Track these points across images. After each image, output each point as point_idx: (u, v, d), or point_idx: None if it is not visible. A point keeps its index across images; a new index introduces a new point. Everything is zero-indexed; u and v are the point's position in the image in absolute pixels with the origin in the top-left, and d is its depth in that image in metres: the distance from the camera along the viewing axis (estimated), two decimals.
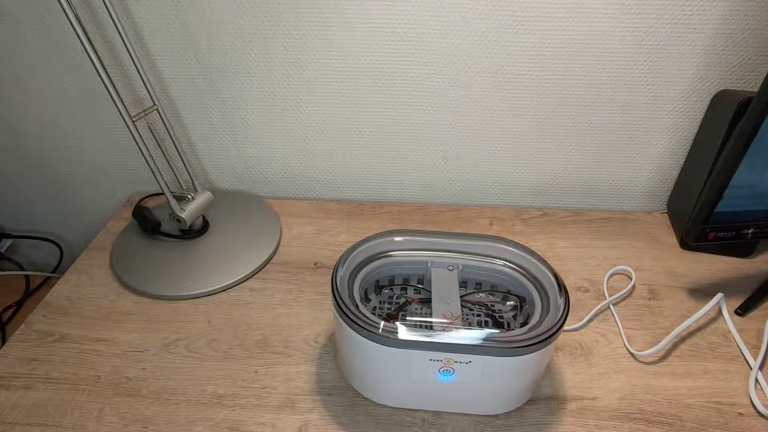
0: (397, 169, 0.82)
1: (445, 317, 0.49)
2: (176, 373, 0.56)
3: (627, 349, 0.59)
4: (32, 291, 0.85)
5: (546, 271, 0.52)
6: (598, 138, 0.76)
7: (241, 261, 0.70)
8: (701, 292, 0.67)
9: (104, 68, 0.58)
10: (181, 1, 0.67)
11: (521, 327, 0.47)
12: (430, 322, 0.50)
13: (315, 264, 0.71)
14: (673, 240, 0.76)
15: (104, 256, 0.72)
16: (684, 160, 0.76)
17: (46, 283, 0.87)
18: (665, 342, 0.58)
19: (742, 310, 0.63)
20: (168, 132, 0.69)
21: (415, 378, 0.48)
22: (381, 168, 0.82)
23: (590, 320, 0.63)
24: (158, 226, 0.73)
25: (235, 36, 0.69)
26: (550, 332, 0.45)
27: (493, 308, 0.55)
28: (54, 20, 0.69)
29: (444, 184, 0.83)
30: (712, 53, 0.67)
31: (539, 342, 0.45)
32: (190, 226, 0.71)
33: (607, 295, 0.66)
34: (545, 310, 0.49)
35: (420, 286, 0.57)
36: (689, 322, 0.59)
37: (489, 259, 0.55)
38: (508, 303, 0.55)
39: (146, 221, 0.72)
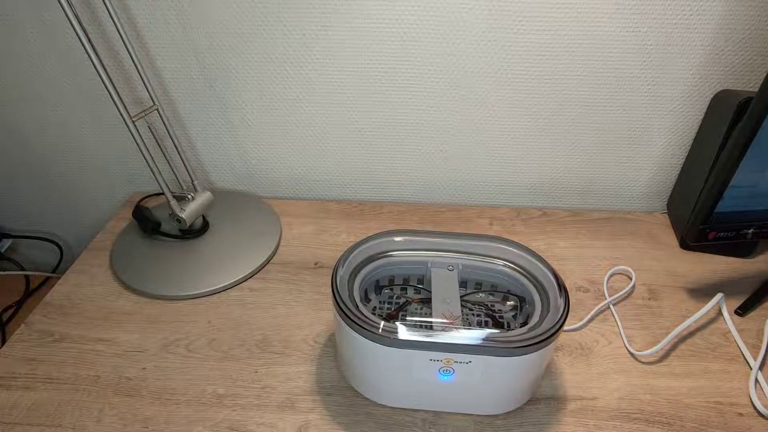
0: (397, 169, 0.82)
1: (445, 317, 0.49)
2: (176, 373, 0.56)
3: (627, 349, 0.59)
4: (32, 291, 0.85)
5: (546, 271, 0.52)
6: (598, 138, 0.76)
7: (241, 261, 0.70)
8: (701, 292, 0.67)
9: (104, 68, 0.58)
10: (181, 1, 0.67)
11: (521, 327, 0.47)
12: (430, 322, 0.50)
13: (315, 264, 0.71)
14: (673, 240, 0.76)
15: (104, 256, 0.72)
16: (684, 160, 0.76)
17: (46, 283, 0.87)
18: (665, 342, 0.58)
19: (742, 310, 0.63)
20: (168, 132, 0.69)
21: (415, 378, 0.48)
22: (381, 168, 0.82)
23: (590, 320, 0.63)
24: (158, 226, 0.73)
25: (235, 36, 0.69)
26: (550, 332, 0.45)
27: (493, 308, 0.55)
28: (54, 20, 0.69)
29: (444, 184, 0.83)
30: (712, 53, 0.67)
31: (539, 342, 0.45)
32: (190, 226, 0.71)
33: (607, 295, 0.66)
34: (545, 310, 0.49)
35: (420, 286, 0.57)
36: (689, 322, 0.59)
37: (489, 259, 0.55)
38: (508, 303, 0.55)
39: (146, 221, 0.72)
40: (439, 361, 0.46)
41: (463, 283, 0.56)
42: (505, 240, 0.55)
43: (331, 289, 0.49)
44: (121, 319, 0.63)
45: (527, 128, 0.75)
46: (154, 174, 0.65)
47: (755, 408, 0.53)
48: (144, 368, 0.57)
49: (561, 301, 0.48)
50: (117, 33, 0.62)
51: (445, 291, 0.52)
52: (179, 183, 0.71)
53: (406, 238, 0.56)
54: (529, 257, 0.53)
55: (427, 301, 0.54)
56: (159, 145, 0.70)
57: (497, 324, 0.53)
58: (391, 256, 0.55)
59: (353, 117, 0.76)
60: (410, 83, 0.72)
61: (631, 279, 0.68)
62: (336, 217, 0.80)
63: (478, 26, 0.66)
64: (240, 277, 0.67)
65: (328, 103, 0.75)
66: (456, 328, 0.48)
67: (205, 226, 0.74)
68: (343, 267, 0.52)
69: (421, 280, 0.56)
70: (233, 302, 0.65)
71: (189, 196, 0.71)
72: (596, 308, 0.63)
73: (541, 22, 0.65)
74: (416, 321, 0.53)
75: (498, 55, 0.68)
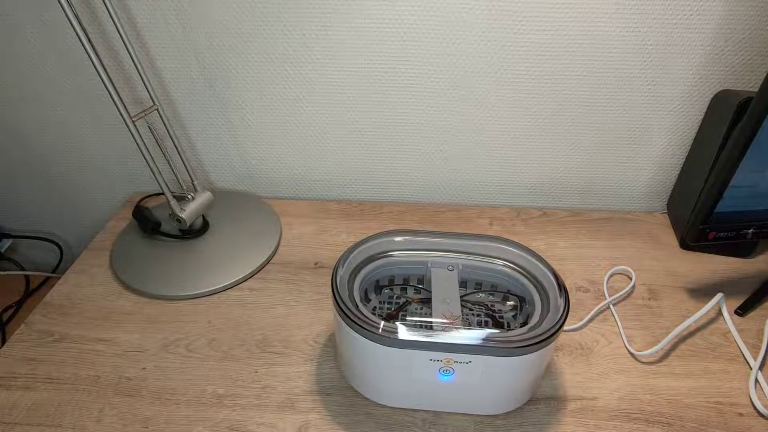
0: (397, 169, 0.82)
1: (445, 317, 0.49)
2: (176, 373, 0.56)
3: (627, 349, 0.59)
4: (32, 291, 0.85)
5: (546, 271, 0.52)
6: (598, 138, 0.76)
7: (241, 261, 0.70)
8: (701, 292, 0.67)
9: (104, 68, 0.58)
10: (181, 1, 0.67)
11: (521, 327, 0.47)
12: (430, 322, 0.50)
13: (315, 264, 0.71)
14: (673, 240, 0.76)
15: (104, 256, 0.72)
16: (684, 160, 0.76)
17: (46, 283, 0.87)
18: (665, 342, 0.58)
19: (742, 310, 0.63)
20: (168, 132, 0.69)
21: (415, 378, 0.48)
22: (381, 168, 0.82)
23: (590, 320, 0.63)
24: (158, 226, 0.73)
25: (235, 36, 0.69)
26: (550, 332, 0.45)
27: (493, 308, 0.55)
28: (54, 20, 0.69)
29: (444, 184, 0.83)
30: (712, 53, 0.67)
31: (539, 342, 0.45)
32: (190, 226, 0.71)
33: (607, 295, 0.66)
34: (545, 310, 0.49)
35: (420, 286, 0.57)
36: (689, 322, 0.59)
37: (489, 259, 0.55)
38: (508, 303, 0.55)
39: (146, 221, 0.72)
40: (439, 361, 0.46)
41: (463, 283, 0.56)
42: (505, 240, 0.55)
43: (331, 289, 0.49)
44: (121, 319, 0.63)
45: (527, 128, 0.75)
46: (154, 174, 0.65)
47: (755, 408, 0.53)
48: (144, 368, 0.57)
49: (561, 301, 0.48)
50: (117, 33, 0.62)
51: (445, 291, 0.52)
52: (179, 183, 0.71)
53: (406, 238, 0.56)
54: (529, 257, 0.53)
55: (427, 301, 0.54)
56: (159, 145, 0.70)
57: (497, 324, 0.53)
58: (391, 256, 0.55)
59: (353, 117, 0.76)
60: (410, 83, 0.72)
61: (631, 279, 0.68)
62: (336, 217, 0.80)
63: (478, 26, 0.66)
64: (240, 277, 0.67)
65: (328, 103, 0.75)
66: (456, 328, 0.48)
67: (205, 226, 0.74)
68: (343, 267, 0.52)
69: (421, 280, 0.56)
70: (233, 302, 0.65)
71: (189, 196, 0.71)
72: (596, 308, 0.63)
73: (541, 22, 0.65)
74: (416, 321, 0.53)
75: (498, 55, 0.68)
